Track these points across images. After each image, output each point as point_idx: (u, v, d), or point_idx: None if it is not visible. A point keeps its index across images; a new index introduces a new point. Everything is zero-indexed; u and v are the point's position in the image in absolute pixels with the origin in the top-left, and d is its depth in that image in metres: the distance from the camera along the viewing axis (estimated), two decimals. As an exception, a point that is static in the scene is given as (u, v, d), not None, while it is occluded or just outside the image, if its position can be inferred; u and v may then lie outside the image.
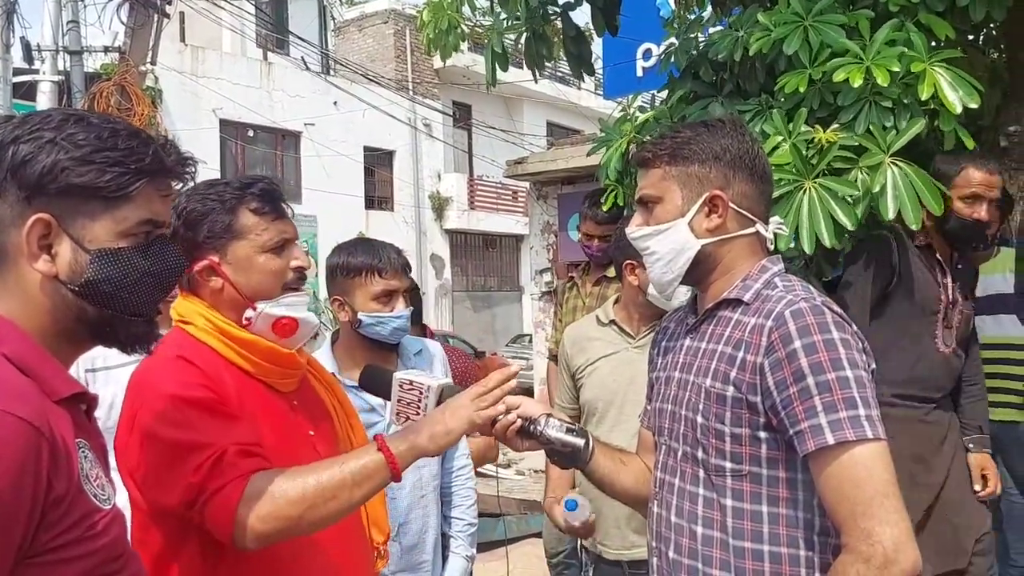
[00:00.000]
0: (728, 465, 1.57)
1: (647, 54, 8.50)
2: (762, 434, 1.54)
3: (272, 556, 1.66)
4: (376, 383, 1.84)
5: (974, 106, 2.60)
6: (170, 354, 1.69)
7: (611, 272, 3.87)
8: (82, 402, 1.22)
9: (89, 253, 1.19)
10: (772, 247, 1.72)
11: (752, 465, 1.55)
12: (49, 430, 1.07)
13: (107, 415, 2.18)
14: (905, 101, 2.64)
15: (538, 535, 5.26)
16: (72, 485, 1.10)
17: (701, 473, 1.61)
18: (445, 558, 2.83)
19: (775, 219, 1.75)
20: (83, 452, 1.15)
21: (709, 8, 4.10)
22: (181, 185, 1.34)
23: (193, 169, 1.36)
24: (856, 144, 2.67)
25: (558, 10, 4.02)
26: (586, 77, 4.42)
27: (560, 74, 17.87)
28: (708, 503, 1.60)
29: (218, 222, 1.76)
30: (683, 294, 2.61)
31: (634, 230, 1.73)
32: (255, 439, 1.64)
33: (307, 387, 1.94)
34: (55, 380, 1.16)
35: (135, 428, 1.62)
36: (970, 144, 2.75)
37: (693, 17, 4.30)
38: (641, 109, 3.84)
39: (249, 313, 1.78)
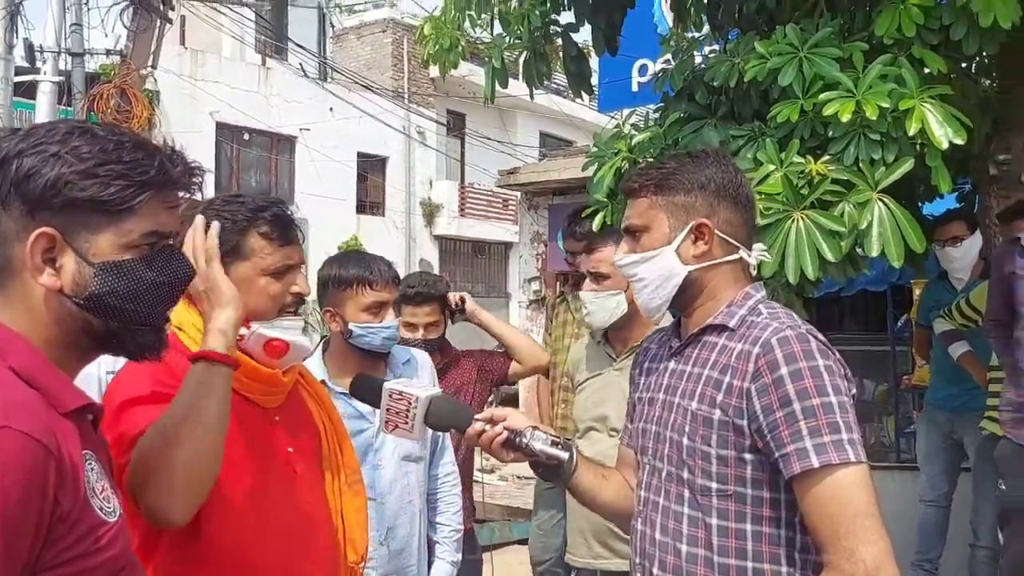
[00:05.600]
0: (714, 485, 1.61)
1: (643, 70, 8.55)
2: (747, 456, 1.58)
3: (231, 557, 1.67)
4: (366, 391, 1.86)
5: (960, 143, 2.66)
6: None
7: None
8: (89, 413, 1.21)
9: (93, 266, 1.18)
10: (755, 273, 1.78)
11: (737, 485, 1.60)
12: (56, 446, 1.06)
13: None
14: (893, 135, 2.70)
15: (521, 542, 5.29)
16: (78, 500, 1.09)
17: (686, 493, 1.65)
18: (431, 563, 2.88)
19: (758, 246, 1.80)
20: (89, 464, 1.15)
21: (706, 27, 4.16)
22: (188, 195, 1.32)
23: (200, 179, 1.34)
24: (845, 178, 2.73)
25: (559, 30, 4.07)
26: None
27: (555, 86, 17.95)
28: (693, 522, 1.64)
29: (226, 241, 1.76)
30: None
31: (622, 257, 1.78)
32: None
33: (295, 402, 1.93)
34: (62, 393, 1.15)
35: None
36: (946, 188, 2.81)
37: (690, 36, 4.35)
38: (635, 127, 3.89)
39: (243, 331, 1.78)
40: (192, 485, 1.50)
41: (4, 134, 1.21)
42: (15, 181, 1.15)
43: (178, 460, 1.46)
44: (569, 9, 3.98)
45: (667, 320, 1.94)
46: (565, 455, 1.79)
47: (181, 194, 1.30)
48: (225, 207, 1.81)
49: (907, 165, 2.69)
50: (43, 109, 8.66)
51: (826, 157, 2.78)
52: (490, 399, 3.78)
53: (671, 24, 4.81)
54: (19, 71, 8.58)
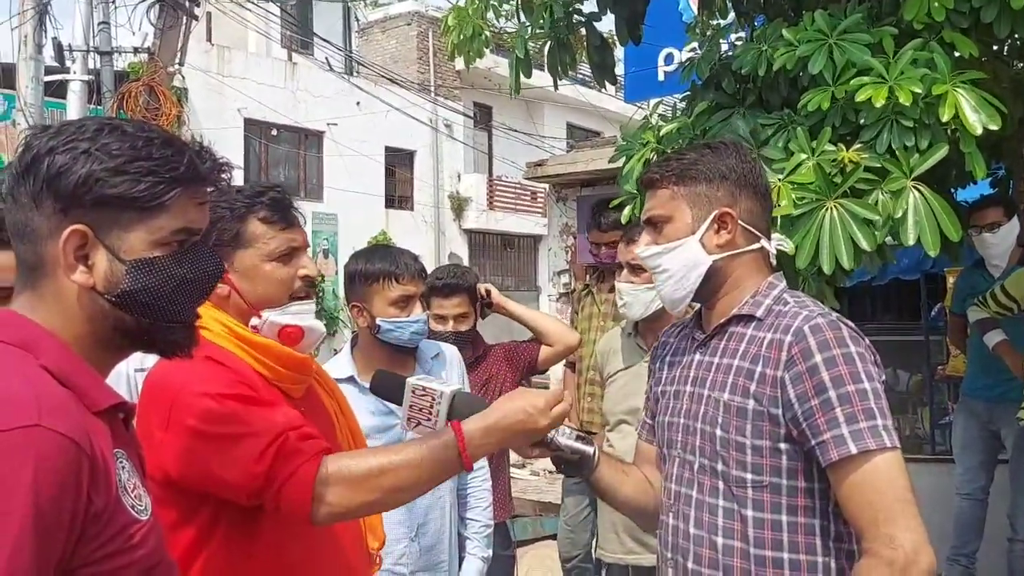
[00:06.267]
0: (749, 477, 1.61)
1: (668, 58, 8.49)
2: (782, 445, 1.59)
3: (286, 558, 1.69)
4: (387, 388, 1.82)
5: (995, 128, 2.61)
6: (197, 355, 1.66)
7: None
8: (120, 411, 1.22)
9: (125, 263, 1.18)
10: (775, 262, 1.78)
11: (772, 476, 1.60)
12: (89, 444, 1.07)
13: None
14: (927, 121, 2.65)
15: (553, 537, 5.27)
16: (111, 498, 1.10)
17: (721, 485, 1.65)
18: (461, 559, 2.88)
19: (776, 235, 1.80)
20: (121, 463, 1.15)
21: (732, 15, 4.10)
22: (216, 191, 1.33)
23: (228, 175, 1.34)
24: (878, 166, 2.69)
25: (582, 19, 4.04)
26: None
27: (581, 76, 17.90)
28: (728, 514, 1.64)
29: (226, 230, 1.76)
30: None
31: (644, 249, 1.78)
32: (303, 421, 1.67)
33: (313, 393, 1.94)
34: (94, 391, 1.16)
35: (171, 428, 1.62)
36: (981, 174, 2.76)
37: (715, 23, 4.30)
38: (662, 117, 3.84)
39: (255, 321, 1.79)
40: (366, 516, 1.65)
41: (34, 131, 1.22)
42: (47, 178, 1.15)
43: (379, 506, 1.62)
44: (592, -2, 3.95)
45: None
46: (590, 449, 1.79)
47: (209, 190, 1.30)
48: (222, 197, 1.77)
49: (942, 152, 2.64)
50: (74, 108, 8.77)
51: (858, 145, 2.74)
52: (518, 393, 3.76)
53: (696, 12, 4.75)
54: (49, 71, 8.69)
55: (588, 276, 5.25)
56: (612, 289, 4.15)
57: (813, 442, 1.53)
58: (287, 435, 1.59)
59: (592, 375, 4.10)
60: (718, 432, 1.64)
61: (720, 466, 1.64)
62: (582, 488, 4.10)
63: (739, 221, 1.70)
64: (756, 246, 1.73)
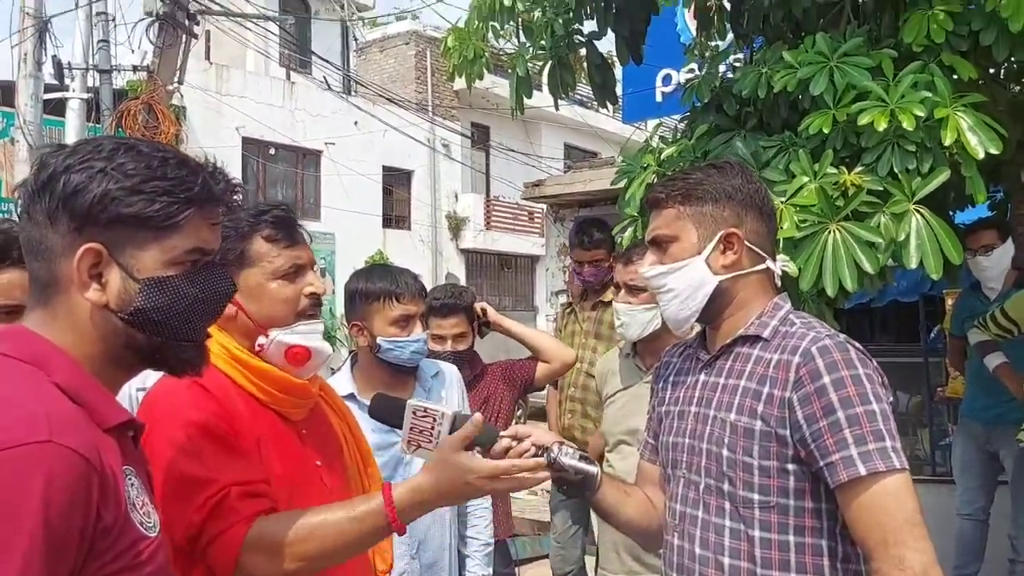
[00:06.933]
0: (756, 497, 1.61)
1: (666, 79, 8.54)
2: (790, 466, 1.58)
3: None
4: (386, 412, 1.80)
5: (995, 151, 2.63)
6: (186, 379, 1.61)
7: (608, 297, 3.92)
8: (130, 429, 1.22)
9: (138, 282, 1.19)
10: (779, 283, 1.78)
11: (780, 496, 1.59)
12: (99, 461, 1.08)
13: None
14: (928, 145, 2.67)
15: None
16: (120, 515, 1.10)
17: (727, 505, 1.64)
18: (461, 576, 2.87)
19: (781, 256, 1.80)
20: (130, 480, 1.16)
21: (730, 36, 4.13)
22: (227, 211, 1.34)
23: (241, 196, 1.36)
24: (880, 189, 2.70)
25: (583, 39, 4.06)
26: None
27: (579, 97, 17.96)
28: (735, 534, 1.63)
29: (231, 250, 1.74)
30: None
31: (649, 269, 1.77)
32: (262, 476, 1.64)
33: (318, 415, 1.91)
34: (104, 408, 1.17)
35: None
36: (981, 197, 2.77)
37: (714, 45, 4.33)
38: (663, 139, 3.86)
39: (262, 340, 1.77)
40: None
41: (51, 150, 1.23)
42: (63, 197, 1.17)
43: (300, 569, 1.54)
44: (592, 18, 3.97)
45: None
46: (593, 470, 1.78)
47: (221, 211, 1.31)
48: (227, 216, 1.75)
49: (943, 175, 2.66)
50: (72, 126, 8.77)
51: (859, 168, 2.75)
52: (518, 412, 3.78)
53: (694, 33, 4.78)
54: (48, 88, 8.70)
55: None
56: (595, 307, 4.17)
57: (821, 463, 1.53)
58: (229, 490, 1.56)
59: (573, 391, 4.12)
60: (725, 452, 1.64)
61: (727, 486, 1.64)
62: (569, 504, 4.12)
63: (745, 241, 1.70)
64: (762, 267, 1.73)
